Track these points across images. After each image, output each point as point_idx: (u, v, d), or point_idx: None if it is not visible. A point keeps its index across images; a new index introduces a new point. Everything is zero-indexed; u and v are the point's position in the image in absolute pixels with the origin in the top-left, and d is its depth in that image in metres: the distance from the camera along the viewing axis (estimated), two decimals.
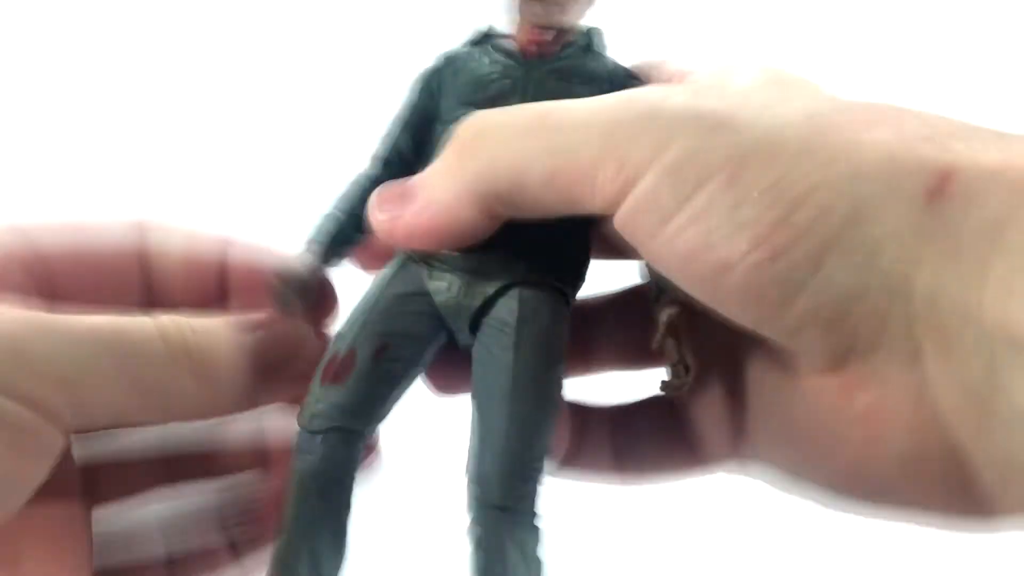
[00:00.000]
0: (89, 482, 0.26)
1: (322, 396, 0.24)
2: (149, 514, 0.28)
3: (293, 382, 0.25)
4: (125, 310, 0.24)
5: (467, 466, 0.23)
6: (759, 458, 0.25)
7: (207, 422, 0.26)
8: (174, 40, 0.58)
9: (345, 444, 0.24)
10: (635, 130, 0.21)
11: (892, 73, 0.56)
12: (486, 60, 0.25)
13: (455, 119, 0.23)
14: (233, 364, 0.24)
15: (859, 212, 0.19)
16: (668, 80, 0.25)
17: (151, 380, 0.23)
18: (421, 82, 0.26)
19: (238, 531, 0.29)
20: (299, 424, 0.24)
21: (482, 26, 0.26)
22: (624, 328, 0.29)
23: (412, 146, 0.26)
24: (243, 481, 0.29)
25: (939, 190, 0.19)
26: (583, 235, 0.25)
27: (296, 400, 0.25)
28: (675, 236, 0.20)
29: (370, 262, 0.27)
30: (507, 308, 0.24)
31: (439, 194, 0.23)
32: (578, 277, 0.25)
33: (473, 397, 0.24)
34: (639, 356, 0.28)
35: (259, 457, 0.29)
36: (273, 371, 0.25)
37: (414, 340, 0.25)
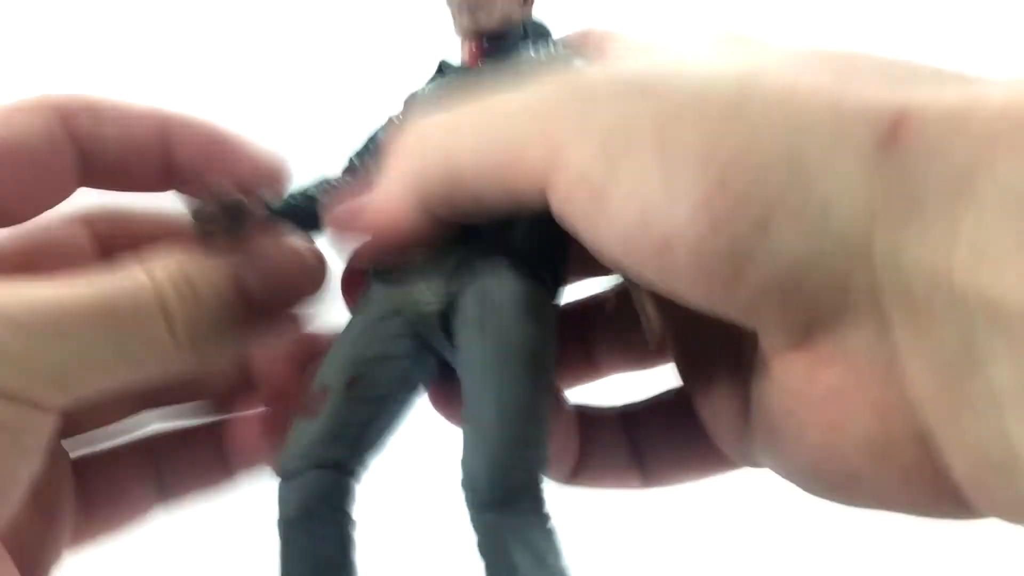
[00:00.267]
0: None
1: (297, 435, 0.23)
2: (132, 434, 0.27)
3: (298, 305, 0.24)
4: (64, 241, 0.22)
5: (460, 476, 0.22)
6: (756, 449, 0.23)
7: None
8: (174, 40, 0.58)
9: (328, 482, 0.23)
10: (559, 106, 0.20)
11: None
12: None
13: None
14: (237, 307, 0.23)
15: (801, 169, 0.17)
16: (597, 47, 0.24)
17: (147, 349, 0.21)
18: (386, 121, 0.25)
19: (248, 448, 0.27)
20: (276, 473, 0.23)
21: (438, 62, 0.26)
22: (626, 324, 0.26)
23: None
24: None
25: (891, 138, 0.17)
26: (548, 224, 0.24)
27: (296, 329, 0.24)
28: (612, 217, 0.19)
29: (351, 293, 0.26)
30: (472, 302, 0.23)
31: (383, 202, 0.22)
32: (553, 263, 0.24)
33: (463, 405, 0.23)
34: (645, 352, 0.27)
35: (242, 380, 0.28)
36: (278, 296, 0.23)
37: (392, 363, 0.24)
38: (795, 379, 0.19)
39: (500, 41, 0.25)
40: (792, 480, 0.21)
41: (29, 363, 0.20)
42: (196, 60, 0.57)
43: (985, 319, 0.16)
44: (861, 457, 0.18)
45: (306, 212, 0.25)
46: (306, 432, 0.23)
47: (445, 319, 0.23)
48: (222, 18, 0.58)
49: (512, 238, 0.23)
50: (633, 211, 0.18)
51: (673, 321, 0.23)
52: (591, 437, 0.27)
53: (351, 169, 0.25)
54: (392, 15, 0.55)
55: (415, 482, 0.50)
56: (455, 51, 0.26)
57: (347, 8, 0.58)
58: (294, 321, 0.24)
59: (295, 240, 0.24)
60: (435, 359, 0.24)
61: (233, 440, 0.27)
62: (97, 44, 0.58)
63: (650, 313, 0.22)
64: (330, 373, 0.24)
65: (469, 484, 0.21)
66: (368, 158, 0.25)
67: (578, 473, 0.27)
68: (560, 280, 0.25)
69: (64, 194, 0.24)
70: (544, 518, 0.21)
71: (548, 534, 0.21)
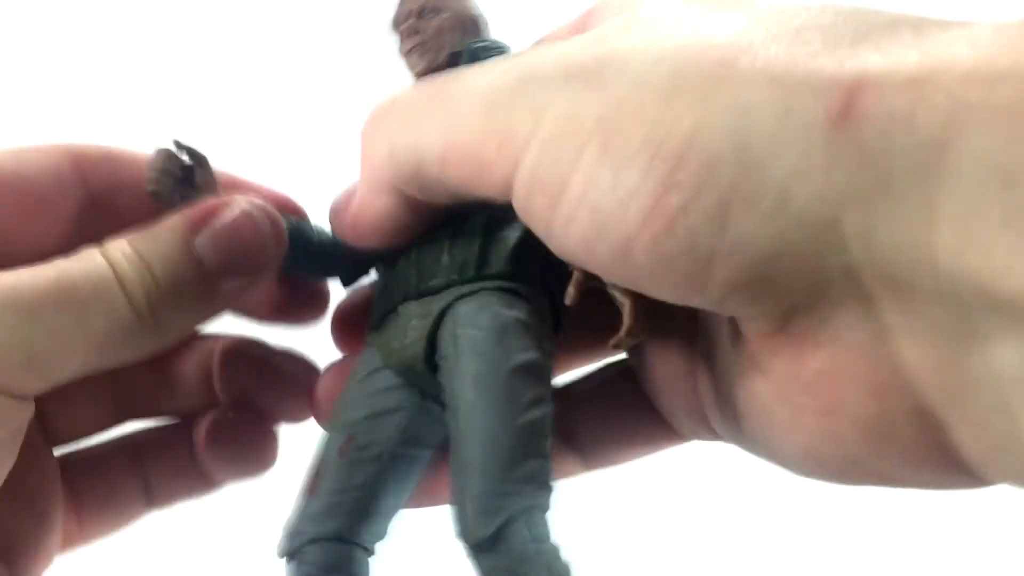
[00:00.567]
0: (40, 425, 0.25)
1: (296, 513, 0.22)
2: (117, 441, 0.27)
3: (257, 269, 0.23)
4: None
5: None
6: (725, 431, 0.22)
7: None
8: (173, 41, 0.58)
9: (330, 555, 0.21)
10: (514, 97, 0.19)
11: None
12: None
13: None
14: (195, 282, 0.22)
15: (752, 152, 0.16)
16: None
17: (107, 328, 0.21)
18: None
19: (213, 458, 0.27)
20: (278, 554, 0.21)
21: None
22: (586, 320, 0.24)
23: None
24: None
25: (845, 113, 0.15)
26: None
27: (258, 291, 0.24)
28: (568, 221, 0.18)
29: (345, 341, 0.26)
30: (447, 339, 0.21)
31: (361, 188, 0.22)
32: (545, 269, 0.22)
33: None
34: (602, 347, 0.24)
35: (210, 389, 0.27)
36: (235, 262, 0.22)
37: (386, 418, 0.22)
38: (782, 364, 0.18)
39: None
40: (786, 466, 0.20)
41: (1, 348, 0.20)
42: (196, 61, 0.57)
43: (979, 302, 0.15)
44: (861, 439, 0.17)
45: (322, 252, 0.25)
46: (305, 507, 0.22)
47: (431, 362, 0.22)
48: (221, 20, 0.59)
49: (495, 256, 0.22)
50: (587, 215, 0.18)
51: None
52: None
53: None
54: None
55: None
56: None
57: (345, 11, 0.58)
58: (252, 285, 0.23)
59: (249, 204, 0.23)
60: (441, 407, 0.22)
61: (200, 446, 0.27)
62: (96, 44, 0.58)
63: (628, 318, 0.21)
64: (324, 444, 0.22)
65: (459, 530, 0.20)
66: None
67: None
68: (555, 284, 0.23)
69: (65, 236, 0.24)
70: (547, 551, 0.20)
71: (554, 568, 0.19)
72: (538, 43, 0.24)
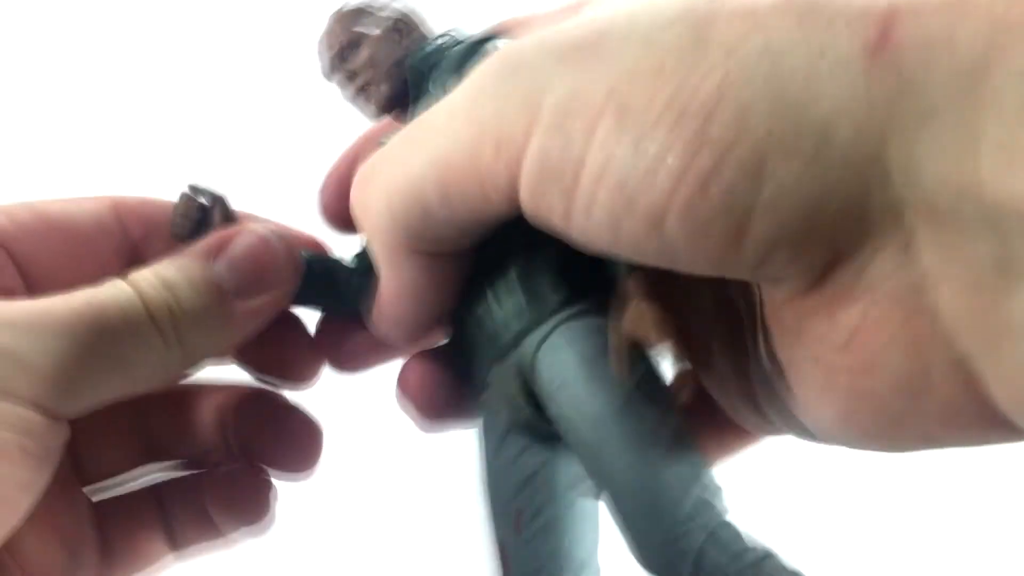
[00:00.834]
0: (73, 461, 0.26)
1: None
2: (143, 485, 0.28)
3: (273, 289, 0.24)
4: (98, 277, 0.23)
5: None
6: (776, 414, 0.21)
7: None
8: (173, 42, 0.58)
9: None
10: (500, 98, 0.18)
11: None
12: None
13: None
14: (209, 305, 0.23)
15: (786, 95, 0.15)
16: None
17: (136, 352, 0.22)
18: None
19: (213, 504, 0.27)
20: None
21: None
22: None
23: None
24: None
25: (882, 42, 0.15)
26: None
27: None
28: (590, 205, 0.17)
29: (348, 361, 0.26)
30: (545, 395, 0.20)
31: (379, 267, 0.22)
32: (585, 278, 0.21)
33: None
34: None
35: (225, 436, 0.28)
36: (252, 283, 0.23)
37: (538, 479, 0.21)
38: (816, 324, 0.17)
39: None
40: (825, 438, 0.20)
41: (32, 366, 0.20)
42: (195, 63, 0.57)
43: (1022, 230, 0.14)
44: (898, 397, 0.17)
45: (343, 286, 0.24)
46: None
47: (528, 396, 0.21)
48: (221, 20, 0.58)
49: (543, 288, 0.21)
50: (609, 194, 0.17)
51: (663, 307, 0.21)
52: None
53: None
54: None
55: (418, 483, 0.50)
56: None
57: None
58: (270, 307, 0.24)
59: (263, 229, 0.24)
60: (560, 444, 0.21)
61: (204, 495, 0.28)
62: (96, 46, 0.58)
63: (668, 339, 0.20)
64: (494, 531, 0.22)
65: (642, 564, 0.19)
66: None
67: None
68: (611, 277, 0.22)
69: (105, 274, 0.25)
70: (748, 561, 0.18)
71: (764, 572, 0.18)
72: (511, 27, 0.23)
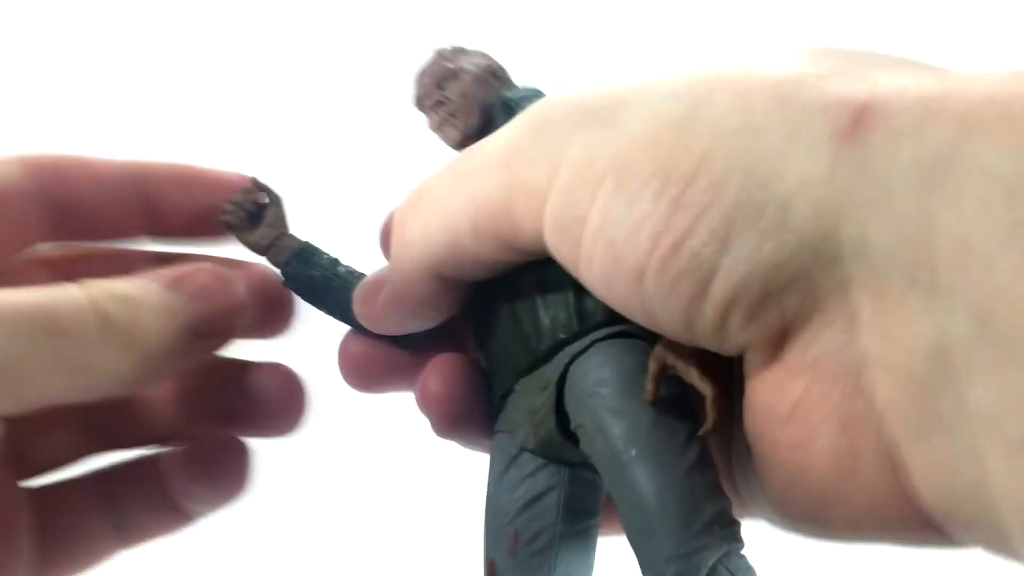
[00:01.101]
0: (11, 456, 0.25)
1: None
2: (87, 477, 0.27)
3: (225, 333, 0.24)
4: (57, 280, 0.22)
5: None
6: (742, 494, 0.22)
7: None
8: (173, 43, 0.58)
9: None
10: (531, 151, 0.20)
11: None
12: None
13: None
14: (167, 329, 0.23)
15: (757, 171, 0.16)
16: None
17: (84, 358, 0.21)
18: None
19: (184, 488, 0.27)
20: None
21: None
22: None
23: None
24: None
25: (852, 128, 0.16)
26: None
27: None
28: (589, 259, 0.19)
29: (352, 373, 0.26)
30: (576, 406, 0.20)
31: (396, 275, 0.23)
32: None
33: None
34: None
35: (183, 422, 0.28)
36: (205, 324, 0.23)
37: (542, 503, 0.21)
38: (766, 396, 0.18)
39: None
40: (768, 518, 0.20)
41: None
42: (195, 64, 0.57)
43: (971, 322, 0.14)
44: (826, 474, 0.17)
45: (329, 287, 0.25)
46: None
47: (569, 433, 0.21)
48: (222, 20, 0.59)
49: (591, 301, 0.21)
50: (603, 249, 0.18)
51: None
52: None
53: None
54: (392, 21, 0.55)
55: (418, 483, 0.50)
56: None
57: (346, 15, 0.58)
58: (223, 345, 0.25)
59: (223, 271, 0.24)
60: (592, 471, 0.21)
61: (169, 475, 0.27)
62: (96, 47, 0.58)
63: (712, 410, 0.20)
64: (489, 547, 0.22)
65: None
66: None
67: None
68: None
69: (26, 243, 0.25)
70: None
71: None
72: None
